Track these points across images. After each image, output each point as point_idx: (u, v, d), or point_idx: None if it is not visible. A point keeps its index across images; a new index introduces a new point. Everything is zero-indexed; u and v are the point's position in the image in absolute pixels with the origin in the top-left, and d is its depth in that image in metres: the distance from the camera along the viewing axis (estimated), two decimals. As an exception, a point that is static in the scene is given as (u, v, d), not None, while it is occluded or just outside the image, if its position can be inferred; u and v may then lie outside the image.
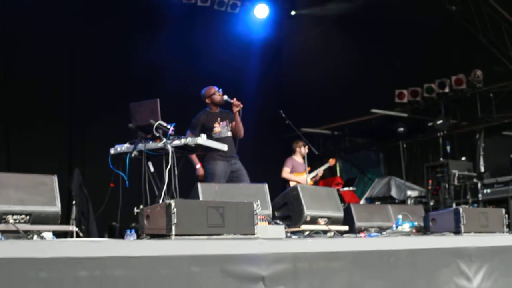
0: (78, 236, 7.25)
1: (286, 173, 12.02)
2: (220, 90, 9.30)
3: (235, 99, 9.03)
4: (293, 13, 16.93)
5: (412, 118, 16.01)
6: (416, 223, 7.69)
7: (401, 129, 15.85)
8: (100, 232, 10.73)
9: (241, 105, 9.01)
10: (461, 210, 6.95)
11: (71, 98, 12.12)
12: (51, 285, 3.77)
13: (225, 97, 9.14)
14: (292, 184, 11.52)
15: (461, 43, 15.04)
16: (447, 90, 15.22)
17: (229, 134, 9.20)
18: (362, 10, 15.70)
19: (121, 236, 7.61)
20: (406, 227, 7.67)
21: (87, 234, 10.32)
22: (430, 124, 15.04)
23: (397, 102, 15.99)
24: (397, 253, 5.74)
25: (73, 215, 10.39)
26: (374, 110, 16.25)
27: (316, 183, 12.52)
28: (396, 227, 7.84)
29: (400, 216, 8.04)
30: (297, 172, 12.00)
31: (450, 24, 14.96)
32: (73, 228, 7.07)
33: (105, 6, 12.81)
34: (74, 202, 10.58)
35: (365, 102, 15.95)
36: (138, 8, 13.45)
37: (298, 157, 12.21)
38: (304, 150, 11.88)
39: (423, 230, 7.40)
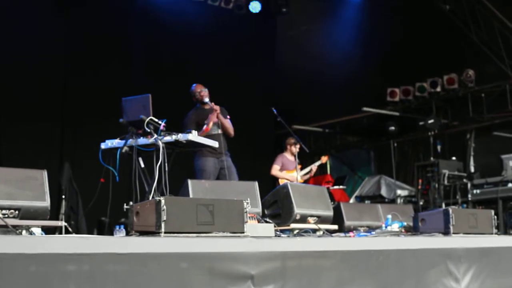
0: (67, 231, 7.22)
1: (275, 170, 11.98)
2: (205, 90, 9.30)
3: (212, 103, 9.04)
4: (284, 10, 16.90)
5: (403, 117, 16.04)
6: (405, 223, 7.71)
7: (392, 127, 15.88)
8: (89, 227, 10.72)
9: (217, 110, 9.03)
10: (450, 211, 6.97)
11: (63, 92, 12.08)
12: (39, 280, 3.76)
13: (206, 99, 9.15)
14: (282, 182, 11.51)
15: (454, 43, 15.08)
16: (439, 89, 15.26)
17: (219, 131, 9.19)
18: (354, 9, 15.71)
19: (110, 231, 7.61)
20: (395, 227, 7.69)
21: (76, 229, 10.30)
22: (421, 123, 15.05)
23: (388, 101, 16.02)
24: (386, 253, 5.74)
25: (63, 210, 10.37)
26: (365, 108, 16.27)
27: (306, 181, 12.51)
28: (386, 227, 7.86)
29: (389, 216, 8.07)
30: (288, 170, 11.98)
31: (443, 23, 14.98)
32: (62, 223, 7.08)
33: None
34: (63, 196, 10.55)
35: (357, 100, 15.96)
36: (132, 3, 13.42)
37: (289, 154, 12.19)
38: (295, 148, 11.86)
39: (413, 230, 7.42)
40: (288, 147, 12.15)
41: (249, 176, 8.29)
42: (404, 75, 15.53)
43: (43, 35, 11.98)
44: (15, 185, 5.85)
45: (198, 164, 9.04)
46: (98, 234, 9.53)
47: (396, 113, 16.11)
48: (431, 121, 14.87)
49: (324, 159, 13.19)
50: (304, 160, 12.47)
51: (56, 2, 12.50)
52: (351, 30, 16.02)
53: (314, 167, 12.63)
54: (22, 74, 11.61)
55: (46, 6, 12.24)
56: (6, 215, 5.72)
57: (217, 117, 9.06)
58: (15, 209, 5.79)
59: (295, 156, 11.79)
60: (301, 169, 12.29)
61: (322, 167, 14.66)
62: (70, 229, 8.76)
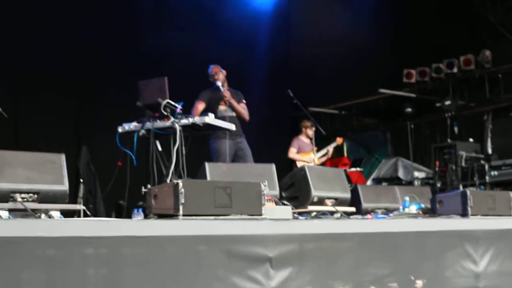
0: (85, 214, 7.23)
1: (292, 153, 11.99)
2: (222, 70, 9.31)
3: (224, 89, 9.05)
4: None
5: (420, 98, 15.96)
6: (423, 205, 7.69)
7: (409, 109, 15.82)
8: (107, 211, 10.75)
9: (226, 96, 9.04)
10: (468, 192, 6.95)
11: (80, 76, 12.08)
12: (58, 263, 3.79)
13: (218, 82, 9.16)
14: (299, 164, 11.51)
15: (470, 23, 14.96)
16: (455, 70, 15.17)
17: (234, 113, 9.20)
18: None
19: (128, 214, 7.61)
20: (413, 209, 7.68)
21: (95, 213, 10.31)
22: (438, 104, 15.00)
23: (405, 82, 15.95)
24: (403, 235, 5.75)
25: (81, 194, 10.40)
26: (382, 90, 16.21)
27: (323, 163, 12.50)
28: (403, 209, 7.85)
29: (407, 198, 8.05)
30: (304, 152, 11.98)
31: (459, 3, 14.87)
32: (80, 207, 7.09)
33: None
34: (81, 180, 10.58)
35: (373, 82, 15.91)
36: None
37: (305, 137, 12.19)
38: (311, 131, 11.84)
39: (430, 212, 7.40)
40: (304, 129, 12.15)
41: (265, 159, 8.29)
42: (420, 56, 15.45)
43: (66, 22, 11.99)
44: (33, 169, 5.88)
45: (214, 146, 9.05)
46: (116, 217, 9.52)
47: (413, 95, 16.03)
48: (447, 102, 14.80)
49: (339, 140, 13.17)
50: (320, 142, 12.42)
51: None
52: (366, 11, 15.93)
53: (330, 148, 12.62)
54: (40, 58, 11.62)
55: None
56: (25, 199, 5.75)
57: (229, 102, 9.08)
58: (34, 193, 5.82)
59: (311, 138, 11.78)
60: (317, 151, 12.27)
61: (338, 149, 14.66)
62: (88, 212, 8.78)
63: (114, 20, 12.65)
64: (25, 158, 5.95)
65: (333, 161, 14.17)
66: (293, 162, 11.91)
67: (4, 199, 5.69)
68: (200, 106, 9.10)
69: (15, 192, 5.71)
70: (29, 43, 11.53)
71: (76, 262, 3.86)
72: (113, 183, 7.79)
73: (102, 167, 10.83)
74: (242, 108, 9.35)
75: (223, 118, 8.55)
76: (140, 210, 6.57)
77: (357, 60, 15.82)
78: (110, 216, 10.08)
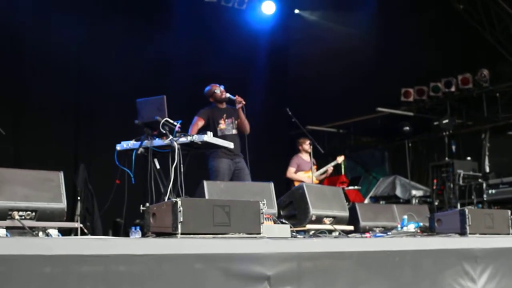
0: (83, 232, 7.24)
1: (290, 173, 11.98)
2: (222, 87, 9.29)
3: (237, 96, 9.03)
4: (296, 11, 16.91)
5: (417, 117, 16.00)
6: (421, 224, 7.68)
7: (407, 128, 15.84)
8: (105, 229, 10.73)
9: (243, 102, 9.01)
10: (466, 211, 6.94)
11: (77, 94, 12.11)
12: (55, 281, 3.78)
13: (227, 94, 9.13)
14: (297, 183, 11.49)
15: (468, 42, 15.02)
16: (453, 89, 15.21)
17: (234, 131, 9.18)
18: (367, 9, 15.67)
19: (126, 233, 7.62)
20: (411, 227, 7.67)
21: (92, 231, 10.31)
22: (435, 123, 15.03)
23: (403, 101, 15.99)
24: (402, 254, 5.73)
25: (78, 211, 10.39)
26: (379, 109, 16.24)
27: (321, 181, 12.49)
28: (402, 227, 7.84)
29: (405, 217, 8.04)
30: (304, 171, 11.98)
31: (457, 23, 14.93)
32: (78, 225, 7.09)
33: (111, 3, 12.81)
34: (79, 198, 10.58)
35: (371, 101, 15.93)
36: (145, 4, 13.42)
37: (304, 155, 12.19)
38: (307, 146, 11.87)
39: (429, 230, 7.39)
40: (300, 147, 12.15)
41: (263, 177, 8.29)
42: (418, 75, 15.49)
43: (59, 39, 12.00)
44: (31, 187, 5.88)
45: (213, 165, 9.02)
46: (114, 235, 9.53)
47: (411, 113, 16.07)
48: (445, 121, 14.84)
49: (339, 159, 13.15)
50: (318, 161, 12.44)
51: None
52: (364, 30, 15.98)
53: (330, 167, 12.60)
54: (35, 76, 11.64)
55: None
56: (23, 217, 5.75)
57: (239, 110, 9.05)
58: (31, 211, 5.82)
59: (310, 155, 11.78)
60: (317, 169, 12.27)
61: (336, 167, 14.64)
62: (85, 230, 8.79)
63: (114, 38, 12.69)
64: (23, 176, 5.95)
65: (331, 179, 14.16)
66: (291, 181, 11.90)
67: (2, 216, 5.68)
68: (200, 122, 9.08)
69: (13, 209, 5.71)
70: (28, 64, 11.57)
71: (73, 281, 3.84)
72: (111, 201, 7.78)
73: (99, 185, 10.84)
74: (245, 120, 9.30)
75: (223, 137, 8.55)
76: (138, 228, 6.57)
77: (355, 79, 15.85)
78: (107, 234, 10.08)
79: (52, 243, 4.08)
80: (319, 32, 16.78)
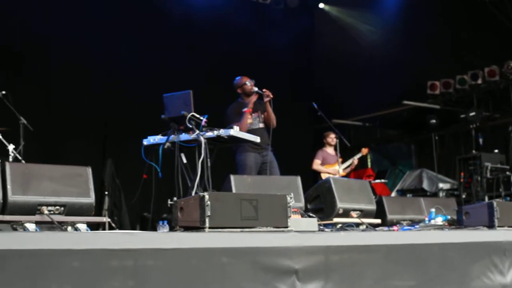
0: (110, 227, 7.29)
1: (316, 165, 11.99)
2: (252, 80, 9.28)
3: (265, 89, 9.00)
4: (321, 5, 16.87)
5: (444, 110, 15.90)
6: (449, 217, 7.65)
7: (433, 121, 15.73)
8: (132, 223, 10.80)
9: (271, 95, 8.97)
10: (495, 204, 6.90)
11: (104, 89, 12.15)
12: (84, 275, 3.81)
13: (255, 88, 9.11)
14: (323, 176, 11.48)
15: (495, 34, 14.89)
16: (479, 81, 15.08)
17: (261, 125, 9.16)
18: (393, 1, 15.62)
19: (153, 227, 7.65)
20: (439, 220, 7.64)
21: (119, 225, 10.38)
22: (462, 116, 14.92)
23: (429, 94, 15.88)
24: (430, 247, 5.72)
25: (106, 206, 10.46)
26: (406, 102, 16.16)
27: (347, 174, 12.48)
28: (429, 220, 7.81)
29: (433, 210, 8.01)
30: (329, 164, 11.97)
31: (484, 14, 14.81)
32: (106, 219, 7.14)
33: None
34: (106, 192, 10.65)
35: (397, 94, 15.87)
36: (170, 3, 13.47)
37: (329, 148, 12.18)
38: (331, 139, 11.89)
39: (457, 224, 7.36)
40: (325, 140, 12.15)
41: (289, 171, 8.29)
42: (445, 67, 15.39)
43: (86, 38, 12.09)
44: (60, 182, 5.92)
45: (240, 159, 9.01)
46: (141, 229, 9.58)
47: (437, 106, 15.97)
48: (472, 113, 14.73)
49: (364, 151, 13.14)
50: (344, 154, 12.41)
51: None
52: (390, 23, 15.91)
53: (355, 159, 12.59)
54: (63, 74, 11.71)
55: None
56: (52, 212, 5.79)
57: (267, 104, 9.02)
58: (60, 206, 5.86)
59: (335, 149, 11.77)
60: (342, 162, 12.25)
61: (362, 161, 14.61)
62: (113, 225, 8.85)
63: (139, 34, 12.74)
64: (52, 171, 6.00)
65: (358, 172, 14.14)
66: (317, 174, 11.90)
67: (31, 211, 5.73)
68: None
69: (42, 205, 5.76)
70: (55, 62, 11.65)
71: (102, 275, 3.87)
72: (138, 195, 7.82)
73: (127, 179, 10.91)
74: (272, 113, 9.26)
75: (250, 131, 8.56)
76: (165, 222, 6.59)
77: (381, 72, 15.79)
78: (134, 229, 10.15)
79: (81, 237, 4.12)
80: (344, 26, 16.73)
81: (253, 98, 9.05)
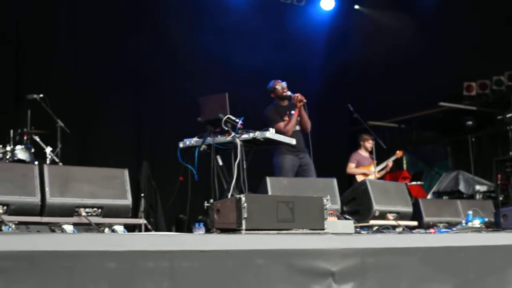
0: (146, 228, 7.32)
1: (351, 169, 11.96)
2: (284, 83, 9.28)
3: (298, 94, 8.99)
4: (356, 7, 16.81)
5: (480, 111, 15.78)
6: (486, 219, 7.59)
7: (470, 122, 15.64)
8: (168, 225, 10.83)
9: (304, 100, 8.95)
10: (533, 206, 6.84)
11: (140, 91, 12.22)
12: (120, 276, 3.83)
13: (288, 92, 9.11)
14: (359, 178, 11.45)
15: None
16: (516, 82, 14.97)
17: (297, 128, 9.14)
18: (429, 2, 15.52)
19: (189, 228, 7.68)
20: (476, 223, 7.58)
21: (155, 227, 10.43)
22: (499, 117, 14.79)
23: (465, 95, 15.77)
24: (467, 250, 5.66)
25: (142, 208, 10.51)
26: (442, 103, 16.06)
27: (382, 176, 12.43)
28: (466, 223, 7.76)
29: (470, 212, 7.96)
30: (363, 166, 11.93)
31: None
32: (142, 221, 7.18)
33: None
34: (142, 194, 10.70)
35: (433, 95, 15.77)
36: (203, 3, 13.48)
37: (364, 151, 12.16)
38: (369, 144, 11.86)
39: (494, 226, 7.30)
40: (362, 143, 12.13)
41: (324, 173, 8.27)
42: (481, 68, 15.27)
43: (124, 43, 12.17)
44: (97, 184, 5.98)
45: (277, 161, 9.01)
46: (177, 231, 9.62)
47: (473, 108, 15.85)
48: (509, 115, 14.58)
49: (399, 153, 13.09)
50: (378, 156, 12.37)
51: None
52: (425, 24, 15.81)
53: (390, 162, 12.55)
54: (100, 77, 11.79)
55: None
56: (90, 213, 5.85)
57: (301, 108, 9.01)
58: (98, 207, 5.92)
59: (370, 152, 11.75)
60: (377, 164, 12.21)
61: (398, 163, 14.56)
62: (149, 226, 8.89)
63: (174, 38, 12.78)
64: (89, 174, 6.06)
65: (393, 174, 14.09)
66: (353, 176, 11.87)
67: (69, 213, 5.80)
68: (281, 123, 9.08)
69: (79, 206, 5.83)
70: (94, 66, 11.73)
71: (138, 276, 3.90)
72: (174, 197, 7.86)
73: (163, 181, 10.95)
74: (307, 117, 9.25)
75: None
76: (201, 224, 6.62)
77: (417, 73, 15.69)
78: (170, 230, 10.19)
79: (118, 239, 4.14)
80: (379, 27, 16.65)
81: (298, 104, 9.00)
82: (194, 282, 4.09)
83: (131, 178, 6.55)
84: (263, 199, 5.12)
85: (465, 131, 15.78)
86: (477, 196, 14.07)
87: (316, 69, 15.19)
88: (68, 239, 3.94)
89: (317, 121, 9.51)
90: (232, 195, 6.73)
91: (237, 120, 7.25)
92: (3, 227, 5.54)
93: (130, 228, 7.35)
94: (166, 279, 3.99)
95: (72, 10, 11.53)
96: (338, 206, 7.16)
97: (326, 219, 5.13)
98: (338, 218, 6.31)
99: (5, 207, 5.60)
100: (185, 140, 7.54)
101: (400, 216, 7.61)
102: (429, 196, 14.83)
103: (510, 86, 15.08)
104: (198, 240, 4.34)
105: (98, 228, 5.83)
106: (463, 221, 7.93)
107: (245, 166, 7.10)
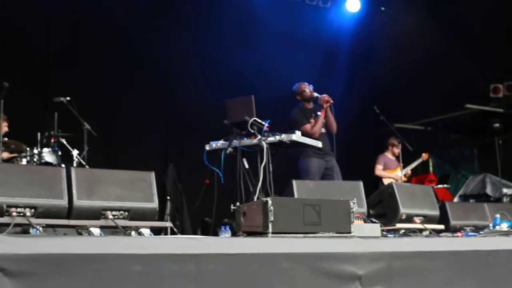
0: (172, 232, 7.33)
1: (378, 170, 11.92)
2: (311, 86, 9.26)
3: (325, 95, 8.97)
4: (383, 9, 16.74)
5: (508, 113, 15.66)
6: (514, 223, 7.54)
7: (497, 124, 15.52)
8: (194, 228, 10.84)
9: (331, 101, 8.94)
10: (561, 209, 6.79)
11: (168, 94, 12.26)
12: (147, 279, 3.85)
13: (315, 93, 9.10)
14: (386, 181, 11.41)
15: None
16: (544, 84, 14.86)
17: (323, 130, 9.12)
18: (454, 4, 15.44)
19: (215, 232, 7.69)
20: (504, 226, 7.52)
21: (181, 230, 10.44)
22: (526, 119, 14.71)
23: (492, 97, 15.65)
24: (495, 254, 5.63)
25: (168, 211, 10.54)
26: (468, 105, 15.96)
27: (408, 180, 12.38)
28: (494, 226, 7.70)
29: (498, 215, 7.90)
30: (390, 169, 11.89)
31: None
32: (168, 224, 7.19)
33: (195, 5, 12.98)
34: (168, 197, 10.72)
35: (459, 97, 15.68)
36: (227, 3, 13.48)
37: (390, 154, 12.12)
38: (397, 149, 11.82)
39: (522, 229, 7.25)
40: (390, 147, 12.09)
41: (350, 176, 8.24)
42: (508, 70, 15.16)
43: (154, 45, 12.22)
44: (124, 187, 6.00)
45: (303, 164, 8.99)
46: (202, 234, 9.63)
47: (500, 110, 15.74)
48: (536, 117, 14.52)
49: (424, 156, 13.03)
50: (405, 158, 12.31)
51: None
52: (452, 25, 15.72)
53: (408, 170, 12.49)
54: (126, 80, 11.82)
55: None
56: (116, 216, 5.87)
57: (327, 109, 8.99)
58: (124, 210, 5.94)
59: (398, 156, 11.70)
60: (403, 167, 12.16)
61: (424, 166, 14.47)
62: (175, 229, 8.90)
63: (202, 41, 12.80)
64: (116, 176, 6.08)
65: (419, 177, 14.02)
66: (379, 179, 11.83)
67: (96, 216, 5.82)
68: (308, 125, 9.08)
69: (106, 209, 5.85)
70: (120, 69, 11.77)
71: (164, 279, 3.91)
72: (200, 200, 7.87)
73: (188, 184, 10.96)
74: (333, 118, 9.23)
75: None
76: (227, 227, 6.62)
77: (442, 75, 15.60)
78: (196, 233, 10.19)
79: (145, 242, 4.15)
80: (404, 28, 16.58)
81: (325, 105, 8.99)
82: (219, 285, 4.09)
83: (157, 181, 6.57)
84: (290, 202, 5.13)
85: (491, 134, 15.66)
86: (505, 199, 13.95)
87: (341, 71, 15.14)
88: (94, 242, 3.96)
89: (344, 124, 9.48)
90: (258, 198, 6.72)
91: (263, 123, 7.25)
92: (31, 230, 5.58)
93: (156, 231, 7.36)
94: (192, 282, 4.00)
95: (99, 13, 11.53)
96: (364, 209, 7.13)
97: (353, 222, 5.12)
98: (365, 222, 6.29)
99: (32, 210, 5.62)
100: (211, 142, 7.54)
101: (427, 219, 7.57)
102: (455, 200, 14.73)
103: (537, 88, 14.98)
104: (224, 243, 4.34)
105: (125, 231, 5.84)
106: (491, 225, 7.87)
107: (271, 169, 7.09)
